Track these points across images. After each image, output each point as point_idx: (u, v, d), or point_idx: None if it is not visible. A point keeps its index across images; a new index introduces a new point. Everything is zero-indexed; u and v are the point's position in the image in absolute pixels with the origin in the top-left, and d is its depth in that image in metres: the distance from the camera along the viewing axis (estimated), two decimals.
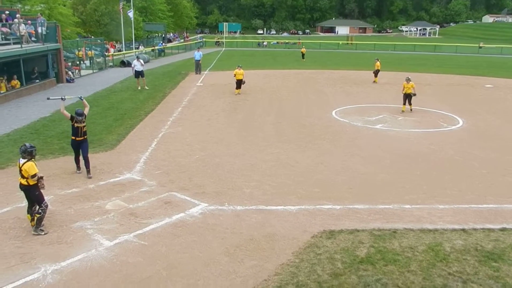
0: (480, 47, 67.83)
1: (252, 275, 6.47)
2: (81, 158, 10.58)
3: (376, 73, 28.61)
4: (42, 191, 7.66)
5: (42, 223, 7.63)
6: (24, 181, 7.45)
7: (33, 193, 7.55)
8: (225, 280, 6.36)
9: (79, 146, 10.45)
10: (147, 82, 24.75)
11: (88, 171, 10.41)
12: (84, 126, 10.39)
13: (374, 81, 28.39)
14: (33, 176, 7.38)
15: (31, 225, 7.67)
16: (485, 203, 9.27)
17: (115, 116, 17.06)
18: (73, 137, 10.40)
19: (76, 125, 10.28)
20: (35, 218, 7.56)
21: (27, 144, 7.65)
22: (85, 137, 10.51)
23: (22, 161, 7.48)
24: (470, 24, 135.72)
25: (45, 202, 7.65)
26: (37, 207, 7.58)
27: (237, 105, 20.06)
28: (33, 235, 7.50)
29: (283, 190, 9.82)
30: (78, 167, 10.61)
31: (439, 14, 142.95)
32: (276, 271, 6.55)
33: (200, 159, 11.99)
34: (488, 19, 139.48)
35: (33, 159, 7.55)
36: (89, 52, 34.33)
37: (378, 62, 28.62)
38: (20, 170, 7.45)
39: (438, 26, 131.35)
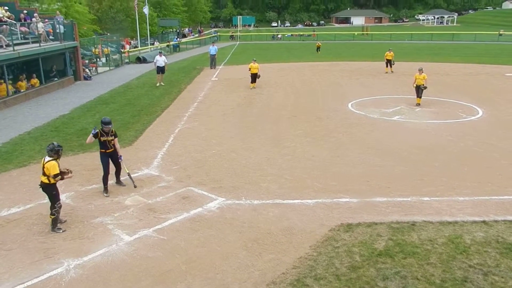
0: (500, 35, 66.19)
1: (270, 268, 6.52)
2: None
3: (387, 63, 28.33)
4: (70, 176, 7.74)
5: (58, 222, 7.74)
6: (45, 179, 7.57)
7: (50, 191, 7.64)
8: (243, 273, 6.42)
9: (110, 158, 9.36)
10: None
11: (119, 181, 9.66)
12: (112, 140, 9.24)
13: (386, 71, 28.16)
14: (55, 175, 7.46)
15: None
16: (506, 194, 9.10)
17: (132, 113, 17.27)
18: (102, 150, 9.26)
19: (102, 139, 9.16)
20: (50, 219, 7.67)
21: (55, 143, 7.74)
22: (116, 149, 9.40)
23: (47, 159, 7.59)
24: (490, 11, 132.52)
25: (59, 203, 7.71)
26: (51, 207, 7.63)
27: (252, 99, 20.06)
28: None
29: (300, 183, 9.82)
30: (106, 189, 9.28)
31: (457, 1, 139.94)
32: (294, 265, 6.58)
33: (217, 153, 12.06)
34: (508, 5, 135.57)
35: (57, 159, 7.65)
36: (105, 49, 34.68)
37: (388, 52, 28.29)
38: (43, 167, 7.60)
39: (456, 13, 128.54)
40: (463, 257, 6.73)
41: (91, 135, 9.25)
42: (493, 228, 7.64)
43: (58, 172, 7.51)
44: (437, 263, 6.57)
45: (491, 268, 6.42)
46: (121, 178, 9.78)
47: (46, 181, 7.56)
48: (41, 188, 7.73)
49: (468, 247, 7.02)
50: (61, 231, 7.68)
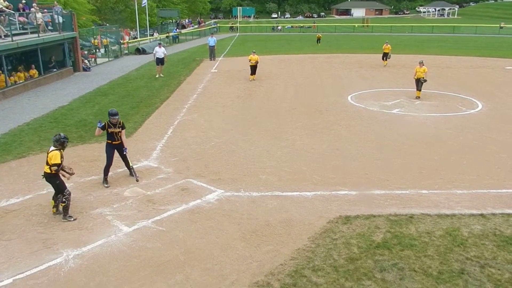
0: (501, 28, 65.97)
1: (269, 259, 6.55)
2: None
3: (384, 56, 28.19)
4: (68, 177, 7.80)
5: (69, 210, 7.81)
6: (47, 169, 7.63)
7: (53, 181, 7.72)
8: (242, 264, 6.45)
9: (115, 150, 9.39)
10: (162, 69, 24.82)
11: (132, 172, 9.61)
12: (119, 132, 9.30)
13: (385, 64, 28.05)
14: (54, 165, 7.51)
15: (52, 211, 7.88)
16: (504, 188, 9.14)
17: (131, 104, 17.23)
18: (109, 141, 9.33)
19: (110, 130, 9.22)
20: (61, 207, 7.74)
21: (61, 134, 7.81)
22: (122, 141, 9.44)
23: (51, 148, 7.65)
24: (491, 3, 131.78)
25: (67, 190, 7.80)
26: (61, 196, 7.74)
27: (252, 91, 20.01)
28: (55, 222, 7.69)
29: (299, 176, 9.83)
30: (106, 180, 9.32)
31: None
32: (292, 256, 6.61)
33: (216, 146, 12.07)
34: None
35: (61, 150, 7.69)
36: (104, 40, 34.47)
37: (386, 45, 28.14)
38: (47, 157, 7.62)
39: (458, 6, 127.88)
40: (461, 250, 6.77)
41: (98, 128, 9.26)
42: (490, 221, 7.68)
43: (59, 162, 7.54)
44: (434, 255, 6.61)
45: (488, 261, 6.46)
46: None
47: (48, 170, 7.62)
48: (44, 179, 7.77)
49: (465, 239, 7.06)
50: (72, 219, 7.73)
